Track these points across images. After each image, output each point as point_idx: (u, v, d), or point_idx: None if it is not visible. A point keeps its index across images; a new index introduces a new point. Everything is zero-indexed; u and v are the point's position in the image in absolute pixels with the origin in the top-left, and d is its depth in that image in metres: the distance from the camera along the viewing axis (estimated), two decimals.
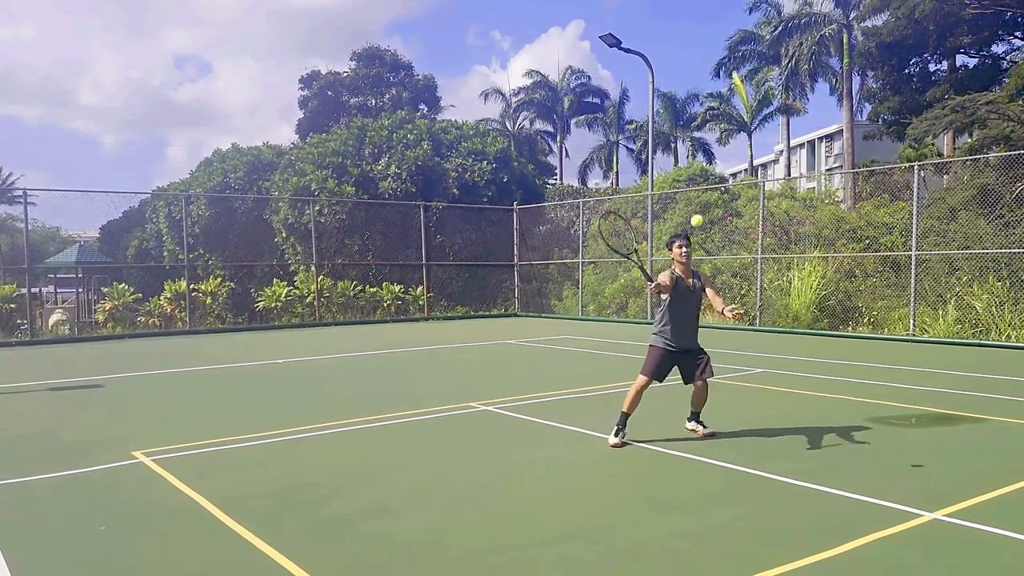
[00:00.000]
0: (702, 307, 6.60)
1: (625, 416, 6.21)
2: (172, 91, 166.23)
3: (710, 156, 43.66)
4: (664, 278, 6.19)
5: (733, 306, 6.09)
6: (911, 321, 14.23)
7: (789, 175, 40.14)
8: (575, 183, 43.85)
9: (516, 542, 4.15)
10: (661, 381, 6.37)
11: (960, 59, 27.06)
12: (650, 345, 6.38)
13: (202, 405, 8.54)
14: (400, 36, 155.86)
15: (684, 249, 6.26)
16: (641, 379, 6.26)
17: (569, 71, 47.61)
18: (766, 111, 39.29)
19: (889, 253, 16.03)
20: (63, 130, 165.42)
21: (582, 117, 47.17)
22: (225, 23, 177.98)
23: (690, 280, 6.27)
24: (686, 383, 6.44)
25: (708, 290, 6.40)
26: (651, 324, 6.65)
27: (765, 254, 16.92)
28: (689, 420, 6.59)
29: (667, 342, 6.25)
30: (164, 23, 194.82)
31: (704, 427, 6.50)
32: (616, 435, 6.18)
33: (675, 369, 6.41)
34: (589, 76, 51.50)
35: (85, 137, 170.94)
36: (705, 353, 6.39)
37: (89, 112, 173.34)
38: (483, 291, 23.54)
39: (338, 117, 41.91)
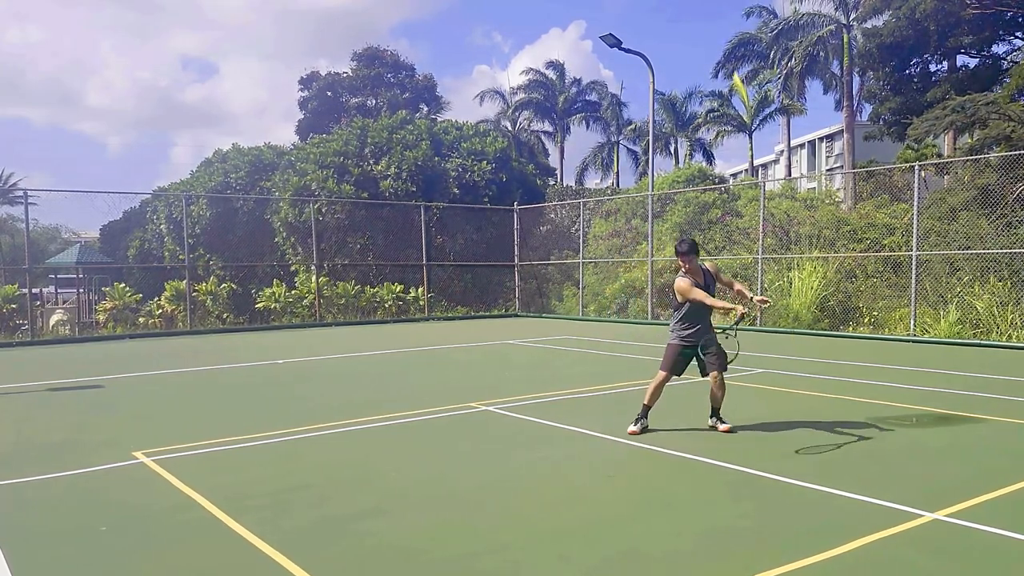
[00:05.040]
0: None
1: (647, 408, 6.66)
2: (179, 92, 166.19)
3: (709, 157, 43.68)
4: (686, 285, 6.51)
5: (763, 297, 6.61)
6: (912, 321, 14.22)
7: (789, 175, 40.11)
8: (575, 183, 43.87)
9: (516, 542, 4.15)
10: (679, 375, 6.81)
11: (961, 59, 27.09)
12: (668, 343, 6.79)
13: (202, 405, 8.54)
14: (406, 38, 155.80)
15: (689, 265, 6.58)
16: (660, 375, 6.72)
17: (569, 71, 47.59)
18: (766, 111, 39.30)
19: (890, 253, 16.02)
20: (70, 131, 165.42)
21: (579, 116, 47.09)
22: (232, 24, 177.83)
23: (700, 279, 6.63)
24: (703, 376, 6.79)
25: (722, 280, 6.88)
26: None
27: (765, 254, 16.91)
28: (711, 416, 6.81)
29: (682, 340, 6.67)
30: (171, 24, 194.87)
31: (723, 423, 6.70)
32: (636, 423, 6.60)
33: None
34: (587, 76, 51.38)
35: (91, 138, 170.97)
36: (719, 348, 6.73)
37: (95, 113, 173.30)
38: (483, 291, 23.53)
39: (338, 118, 41.94)
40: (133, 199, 29.49)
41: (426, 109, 44.77)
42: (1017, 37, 25.51)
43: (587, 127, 47.57)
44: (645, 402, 6.66)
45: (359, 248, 22.33)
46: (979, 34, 24.40)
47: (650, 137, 22.74)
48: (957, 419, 7.18)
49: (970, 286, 14.11)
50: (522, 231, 23.58)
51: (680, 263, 6.66)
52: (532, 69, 47.51)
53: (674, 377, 6.79)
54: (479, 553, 3.99)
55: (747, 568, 3.68)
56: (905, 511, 4.46)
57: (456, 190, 23.32)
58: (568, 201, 25.42)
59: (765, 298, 6.60)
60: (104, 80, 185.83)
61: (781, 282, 16.72)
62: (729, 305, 6.40)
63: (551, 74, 47.05)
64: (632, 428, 6.56)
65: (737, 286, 6.79)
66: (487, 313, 22.74)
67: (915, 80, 27.11)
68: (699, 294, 6.46)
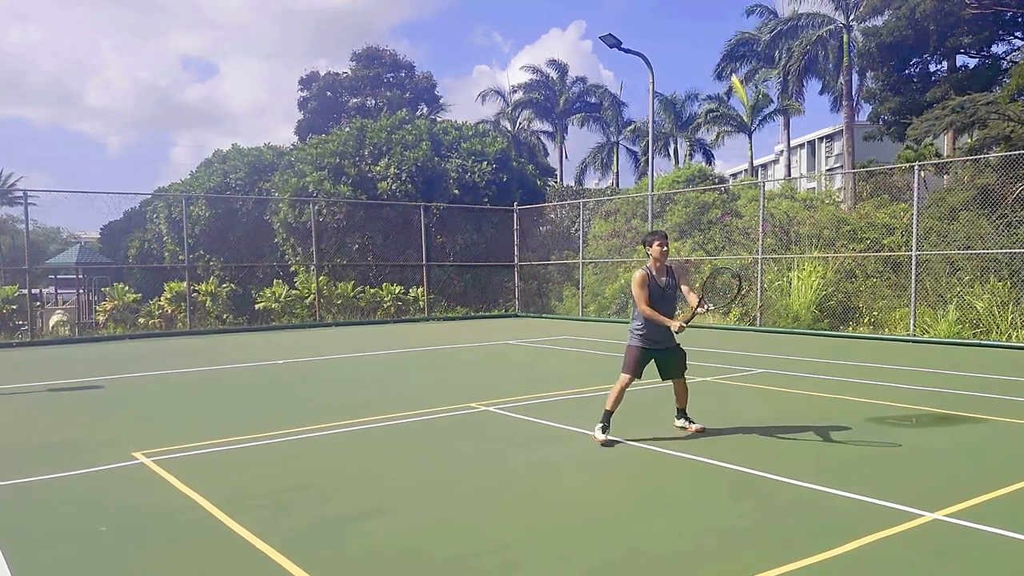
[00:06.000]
0: (677, 303, 6.77)
1: (609, 414, 6.30)
2: (179, 92, 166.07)
3: (709, 157, 43.72)
4: (640, 278, 6.33)
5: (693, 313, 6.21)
6: (911, 321, 14.22)
7: (789, 175, 40.12)
8: (574, 183, 43.89)
9: (516, 542, 4.15)
10: (640, 377, 6.44)
11: (960, 59, 27.12)
12: (628, 345, 6.47)
13: (202, 406, 8.54)
14: (406, 38, 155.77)
15: (664, 248, 6.40)
16: (624, 378, 6.34)
17: (569, 71, 47.56)
18: (765, 111, 39.31)
19: (890, 254, 16.03)
20: (70, 132, 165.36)
21: (579, 116, 47.10)
22: (232, 24, 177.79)
23: (663, 278, 6.40)
24: (663, 379, 6.58)
25: (683, 286, 6.58)
26: None
27: (765, 254, 16.92)
28: (677, 418, 6.69)
29: (644, 341, 6.36)
30: (171, 24, 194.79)
31: (693, 424, 6.59)
32: (603, 432, 6.26)
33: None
34: (587, 77, 51.43)
35: (91, 138, 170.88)
36: (681, 349, 6.54)
37: (95, 113, 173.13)
38: (483, 292, 23.52)
39: (338, 118, 41.95)
40: (133, 199, 29.44)
41: (426, 109, 44.75)
42: (1017, 37, 25.53)
43: (587, 127, 47.64)
44: (608, 407, 6.26)
45: (358, 248, 22.33)
46: (979, 34, 24.42)
47: (650, 137, 22.75)
48: (957, 419, 7.18)
49: (970, 286, 14.11)
50: (522, 231, 23.58)
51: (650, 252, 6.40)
52: (533, 67, 47.57)
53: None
54: (479, 553, 3.99)
55: (747, 568, 3.68)
56: (905, 511, 4.46)
57: (456, 190, 23.31)
58: (568, 201, 25.43)
59: (692, 314, 6.18)
60: (104, 80, 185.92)
61: (781, 282, 16.72)
62: (665, 320, 6.17)
63: (552, 73, 47.07)
64: (600, 436, 6.19)
65: (692, 300, 6.34)
66: (487, 313, 22.73)
67: (915, 80, 27.12)
68: (639, 296, 6.24)
